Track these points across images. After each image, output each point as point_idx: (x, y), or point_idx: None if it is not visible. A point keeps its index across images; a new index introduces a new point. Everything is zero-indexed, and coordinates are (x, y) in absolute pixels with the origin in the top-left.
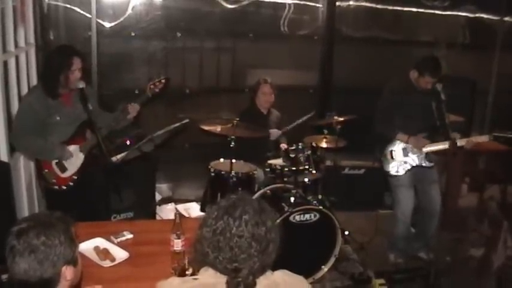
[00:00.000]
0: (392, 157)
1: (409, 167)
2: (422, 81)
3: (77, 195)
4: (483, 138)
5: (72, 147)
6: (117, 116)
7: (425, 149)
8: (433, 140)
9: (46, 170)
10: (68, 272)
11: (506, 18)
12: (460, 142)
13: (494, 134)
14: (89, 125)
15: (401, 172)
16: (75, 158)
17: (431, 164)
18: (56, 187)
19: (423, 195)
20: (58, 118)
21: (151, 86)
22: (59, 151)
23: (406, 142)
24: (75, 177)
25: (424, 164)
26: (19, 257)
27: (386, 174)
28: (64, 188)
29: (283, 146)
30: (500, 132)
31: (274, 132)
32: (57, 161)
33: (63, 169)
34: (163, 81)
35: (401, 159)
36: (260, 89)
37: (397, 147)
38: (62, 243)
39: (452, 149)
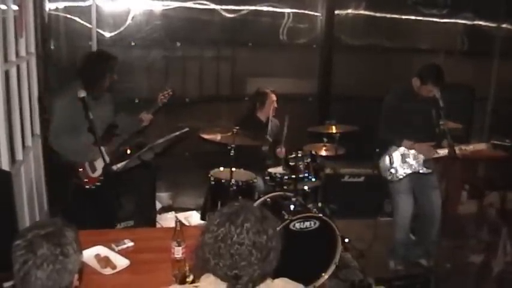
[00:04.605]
0: (390, 163)
1: (408, 173)
2: (425, 90)
3: (102, 195)
4: (481, 146)
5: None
6: (132, 122)
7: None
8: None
9: (81, 170)
10: (75, 279)
11: (504, 25)
12: (459, 149)
13: (492, 142)
14: (96, 133)
15: (399, 177)
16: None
17: (429, 171)
18: (87, 186)
19: (424, 202)
20: (91, 118)
21: (162, 97)
22: (94, 154)
23: (412, 148)
24: (102, 178)
25: (421, 171)
26: (36, 270)
27: (385, 179)
28: (93, 187)
29: (280, 152)
30: (498, 140)
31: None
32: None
33: (94, 169)
34: (170, 92)
35: (399, 164)
36: (269, 98)
37: (396, 153)
38: (75, 251)
39: (452, 155)
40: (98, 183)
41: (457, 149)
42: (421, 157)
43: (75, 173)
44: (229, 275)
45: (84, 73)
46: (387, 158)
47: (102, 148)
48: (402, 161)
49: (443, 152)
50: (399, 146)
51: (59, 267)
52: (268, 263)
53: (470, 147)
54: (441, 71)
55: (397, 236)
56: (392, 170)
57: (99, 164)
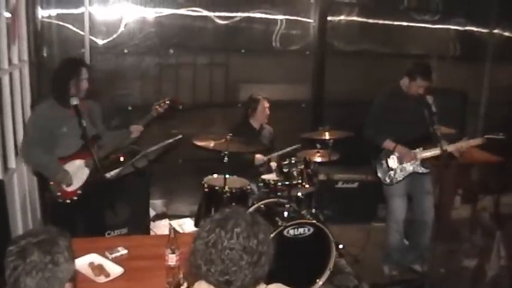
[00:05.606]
0: (388, 165)
1: (406, 174)
2: (414, 86)
3: (79, 209)
4: (477, 141)
5: (78, 162)
6: (121, 135)
7: (420, 156)
8: (425, 148)
9: (52, 183)
10: None
11: (496, 31)
12: (454, 147)
13: (486, 136)
14: (89, 140)
15: (398, 179)
16: (80, 173)
17: (427, 171)
18: (60, 200)
19: (417, 206)
20: (65, 130)
21: (157, 107)
22: (61, 175)
23: (393, 150)
24: (79, 192)
25: (420, 171)
26: (25, 277)
27: (382, 182)
28: (68, 201)
29: (274, 164)
30: (492, 134)
31: (259, 158)
32: None
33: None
34: (167, 102)
35: (397, 166)
36: (261, 104)
37: (392, 156)
38: (67, 260)
39: (444, 158)
40: (75, 198)
41: (452, 146)
42: (418, 157)
43: (47, 186)
44: (220, 280)
45: (52, 80)
46: (384, 162)
47: (97, 161)
48: (399, 163)
49: (429, 153)
50: (381, 145)
51: (49, 275)
52: (260, 267)
53: (465, 144)
54: (429, 67)
55: (390, 239)
56: (391, 173)
57: (76, 178)
